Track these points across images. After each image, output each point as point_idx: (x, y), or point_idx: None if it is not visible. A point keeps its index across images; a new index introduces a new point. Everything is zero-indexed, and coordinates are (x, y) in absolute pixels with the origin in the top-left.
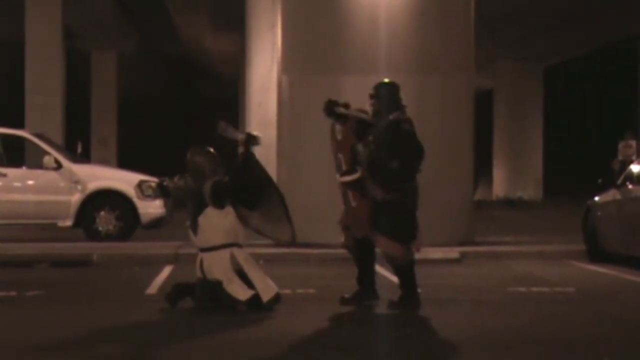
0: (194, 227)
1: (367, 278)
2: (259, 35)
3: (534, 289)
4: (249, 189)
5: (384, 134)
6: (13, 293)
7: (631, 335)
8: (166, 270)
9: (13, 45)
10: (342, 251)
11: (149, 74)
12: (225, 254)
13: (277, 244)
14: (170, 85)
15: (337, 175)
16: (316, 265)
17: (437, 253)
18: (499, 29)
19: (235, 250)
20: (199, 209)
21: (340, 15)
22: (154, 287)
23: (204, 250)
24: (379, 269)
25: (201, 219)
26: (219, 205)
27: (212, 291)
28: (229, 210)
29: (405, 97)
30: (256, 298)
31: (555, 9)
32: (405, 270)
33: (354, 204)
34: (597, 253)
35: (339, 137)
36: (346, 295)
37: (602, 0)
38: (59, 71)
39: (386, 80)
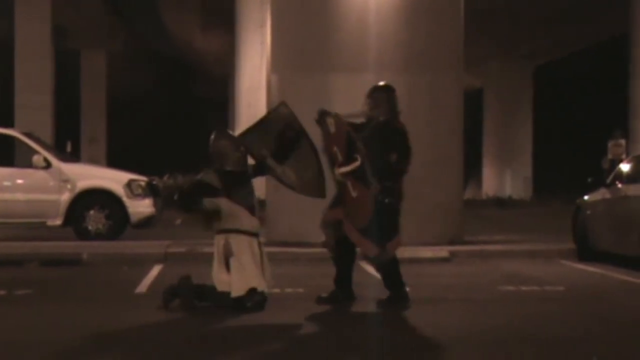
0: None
1: (344, 278)
2: (248, 34)
3: (524, 287)
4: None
5: (374, 133)
6: (2, 292)
7: (620, 333)
8: (155, 270)
9: (2, 44)
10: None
11: (139, 72)
12: (219, 240)
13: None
14: (160, 84)
15: (334, 170)
16: (305, 265)
17: (426, 252)
18: (489, 28)
19: (232, 237)
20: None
21: (329, 14)
22: (143, 286)
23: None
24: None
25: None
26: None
27: (199, 291)
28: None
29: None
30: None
31: (545, 8)
32: (385, 269)
33: (354, 194)
34: (586, 252)
35: (332, 129)
36: (323, 295)
37: None
38: (49, 70)
39: (382, 83)
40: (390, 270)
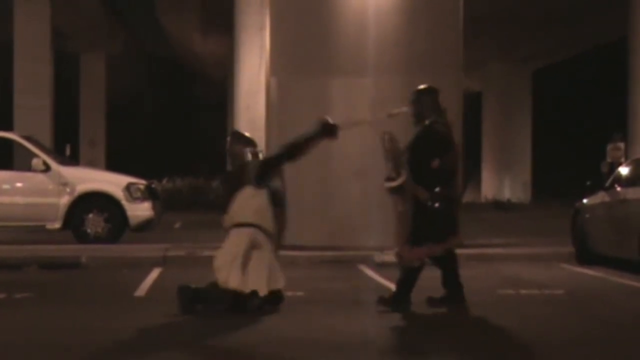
0: (227, 206)
1: (451, 281)
2: (247, 37)
3: (523, 291)
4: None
5: (417, 139)
6: (2, 295)
7: (620, 336)
8: (154, 273)
9: (1, 46)
10: (330, 253)
11: (138, 75)
12: (246, 230)
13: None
14: (159, 86)
15: (386, 184)
16: (304, 268)
17: None
18: (489, 31)
19: (258, 232)
20: (235, 188)
21: (328, 17)
22: (142, 289)
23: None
24: (367, 271)
25: (242, 196)
26: (262, 180)
27: (198, 294)
28: (263, 193)
29: (393, 98)
30: (242, 299)
31: (544, 11)
32: (406, 272)
33: (400, 208)
34: (585, 255)
35: (387, 145)
36: (435, 297)
37: (591, 2)
38: (48, 72)
39: (424, 85)
40: (407, 274)
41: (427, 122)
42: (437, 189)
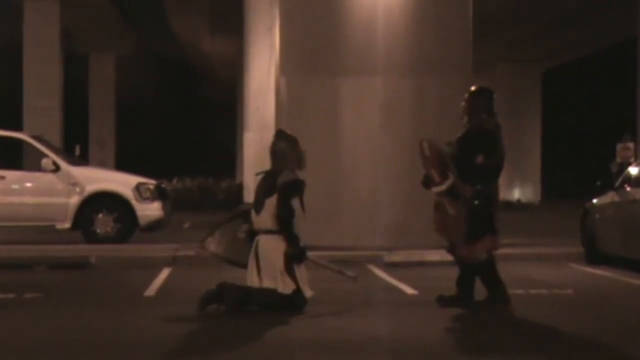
0: (259, 207)
1: (465, 281)
2: (256, 37)
3: (532, 291)
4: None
5: (465, 136)
6: (11, 295)
7: (629, 337)
8: (164, 273)
9: (11, 47)
10: (339, 253)
11: (147, 76)
12: (282, 241)
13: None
14: (168, 87)
15: (433, 190)
16: (313, 268)
17: (434, 255)
18: (498, 31)
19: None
20: (269, 191)
21: (338, 17)
22: (152, 289)
23: (263, 232)
24: (377, 271)
25: (268, 201)
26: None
27: (244, 295)
28: (296, 201)
29: (402, 98)
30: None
31: (554, 12)
32: (477, 270)
33: (451, 211)
34: (595, 255)
35: (427, 152)
36: (445, 295)
37: (600, 3)
38: (57, 73)
39: (476, 86)
40: (484, 271)
41: (477, 120)
42: (478, 187)
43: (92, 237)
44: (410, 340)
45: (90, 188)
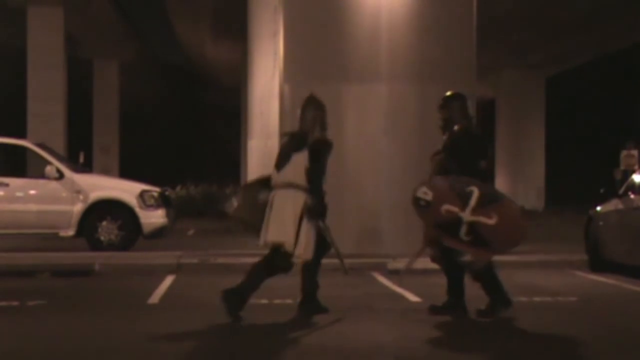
0: (283, 162)
1: (456, 289)
2: (260, 43)
3: (536, 298)
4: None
5: (456, 142)
6: (15, 302)
7: (633, 344)
8: (168, 280)
9: (15, 53)
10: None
11: (151, 82)
12: (302, 197)
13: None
14: (172, 93)
15: (464, 218)
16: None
17: None
18: (502, 38)
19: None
20: (298, 147)
21: (342, 24)
22: (155, 296)
23: (281, 187)
24: (380, 278)
25: (295, 156)
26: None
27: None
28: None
29: (406, 105)
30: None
31: (558, 18)
32: (480, 276)
33: (493, 221)
34: (599, 262)
35: (429, 197)
36: (437, 305)
37: (605, 8)
38: (61, 79)
39: (450, 92)
40: (483, 277)
41: (455, 127)
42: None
43: (96, 245)
44: (413, 348)
45: (94, 195)
